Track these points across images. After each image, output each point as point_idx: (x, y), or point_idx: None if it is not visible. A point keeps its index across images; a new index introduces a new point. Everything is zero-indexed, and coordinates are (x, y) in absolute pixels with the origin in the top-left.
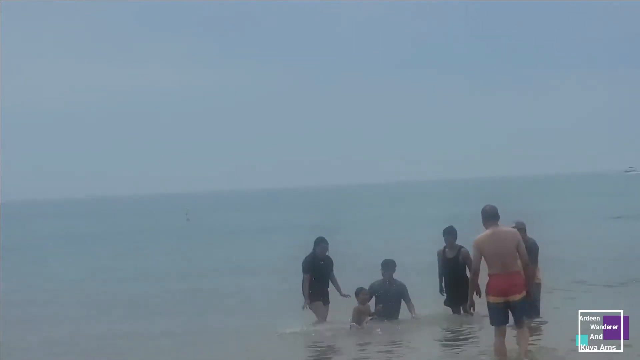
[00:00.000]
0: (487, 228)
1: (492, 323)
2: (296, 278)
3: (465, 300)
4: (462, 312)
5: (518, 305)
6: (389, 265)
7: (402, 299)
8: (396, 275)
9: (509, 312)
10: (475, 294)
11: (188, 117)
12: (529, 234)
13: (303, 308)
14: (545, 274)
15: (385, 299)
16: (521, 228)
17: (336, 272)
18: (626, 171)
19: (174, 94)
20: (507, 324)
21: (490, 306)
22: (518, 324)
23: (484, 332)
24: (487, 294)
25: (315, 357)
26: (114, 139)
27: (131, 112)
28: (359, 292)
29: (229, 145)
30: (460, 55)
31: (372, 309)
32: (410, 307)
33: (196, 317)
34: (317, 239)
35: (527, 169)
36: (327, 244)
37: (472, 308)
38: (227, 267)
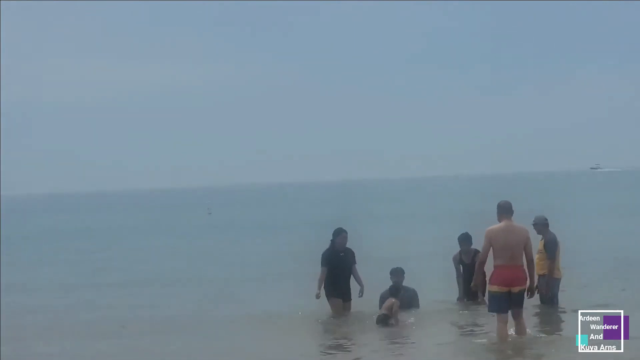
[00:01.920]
0: (500, 221)
1: (490, 310)
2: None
3: (475, 297)
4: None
5: (518, 296)
6: (397, 274)
7: (411, 306)
8: (407, 270)
9: (511, 301)
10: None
11: (196, 112)
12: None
13: (317, 297)
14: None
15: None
16: (544, 223)
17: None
18: (592, 168)
19: (180, 91)
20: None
21: (492, 295)
22: (516, 314)
23: (491, 322)
24: (491, 283)
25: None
26: (129, 134)
27: (139, 108)
28: (397, 291)
29: (236, 140)
30: (470, 51)
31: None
32: (416, 311)
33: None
34: (335, 229)
35: (538, 166)
36: (347, 233)
37: (481, 293)
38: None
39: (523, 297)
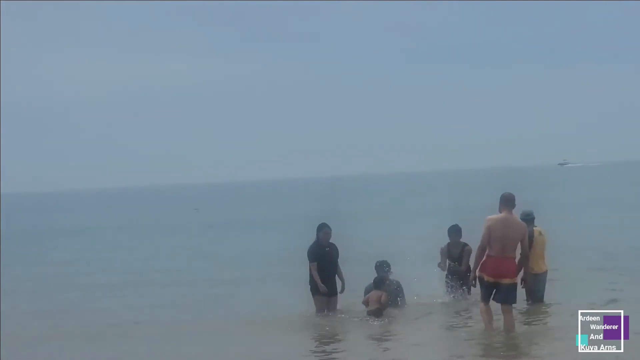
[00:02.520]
0: (500, 212)
1: (482, 297)
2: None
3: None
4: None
5: (505, 288)
6: (382, 267)
7: (397, 297)
8: (394, 267)
9: (499, 293)
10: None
11: (193, 109)
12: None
13: (323, 291)
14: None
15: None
16: (526, 219)
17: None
18: (560, 164)
19: (177, 89)
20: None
21: (481, 283)
22: (504, 309)
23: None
24: (481, 271)
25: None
26: (126, 132)
27: (136, 105)
28: (381, 283)
29: (232, 137)
30: (464, 50)
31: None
32: (402, 303)
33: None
34: (319, 225)
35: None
36: (330, 229)
37: (474, 282)
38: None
39: (512, 291)
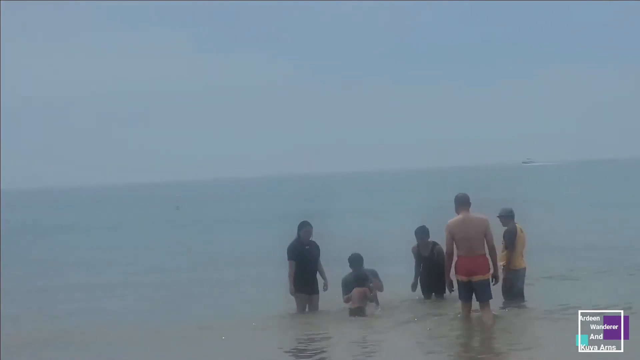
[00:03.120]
0: (458, 213)
1: (459, 298)
2: (282, 268)
3: (439, 291)
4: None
5: (480, 285)
6: (356, 260)
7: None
8: (378, 267)
9: (474, 290)
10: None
11: (187, 108)
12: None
13: (291, 293)
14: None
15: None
16: (508, 215)
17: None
18: (524, 162)
19: (172, 87)
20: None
21: (457, 284)
22: (481, 303)
23: (454, 314)
24: (455, 273)
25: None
26: (122, 129)
27: (131, 103)
28: (364, 280)
29: (225, 134)
30: (454, 49)
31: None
32: (380, 286)
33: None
34: (300, 223)
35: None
36: (311, 227)
37: (450, 287)
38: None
39: (486, 287)
